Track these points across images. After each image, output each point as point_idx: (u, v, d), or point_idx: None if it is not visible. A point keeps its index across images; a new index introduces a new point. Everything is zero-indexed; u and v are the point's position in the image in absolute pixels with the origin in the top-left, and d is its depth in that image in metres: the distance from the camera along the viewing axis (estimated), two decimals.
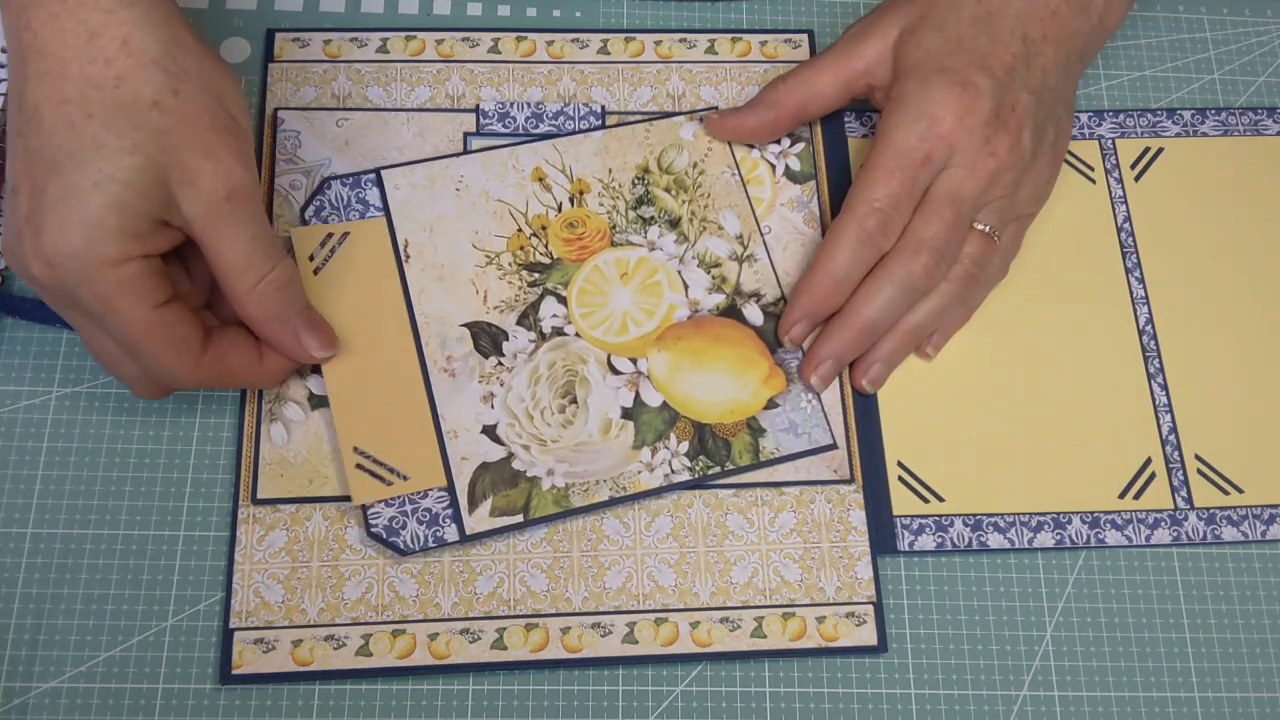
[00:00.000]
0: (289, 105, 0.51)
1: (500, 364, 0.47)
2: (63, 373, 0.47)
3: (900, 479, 0.47)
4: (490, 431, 0.46)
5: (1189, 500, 0.48)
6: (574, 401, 0.46)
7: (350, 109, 0.51)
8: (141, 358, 0.40)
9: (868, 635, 0.45)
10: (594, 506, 0.45)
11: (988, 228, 0.47)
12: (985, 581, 0.46)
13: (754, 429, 0.46)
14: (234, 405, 0.47)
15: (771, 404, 0.47)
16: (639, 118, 0.52)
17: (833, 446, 0.46)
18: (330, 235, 0.48)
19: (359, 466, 0.44)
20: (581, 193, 0.50)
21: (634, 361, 0.47)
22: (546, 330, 0.47)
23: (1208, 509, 0.47)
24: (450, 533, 0.44)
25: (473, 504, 0.44)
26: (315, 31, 0.53)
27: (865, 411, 0.48)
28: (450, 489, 0.45)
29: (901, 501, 0.47)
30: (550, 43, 0.54)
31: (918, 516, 0.47)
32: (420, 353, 0.46)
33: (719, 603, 0.45)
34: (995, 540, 0.46)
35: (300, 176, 0.49)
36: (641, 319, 0.48)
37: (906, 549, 0.46)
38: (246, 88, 0.52)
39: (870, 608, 0.45)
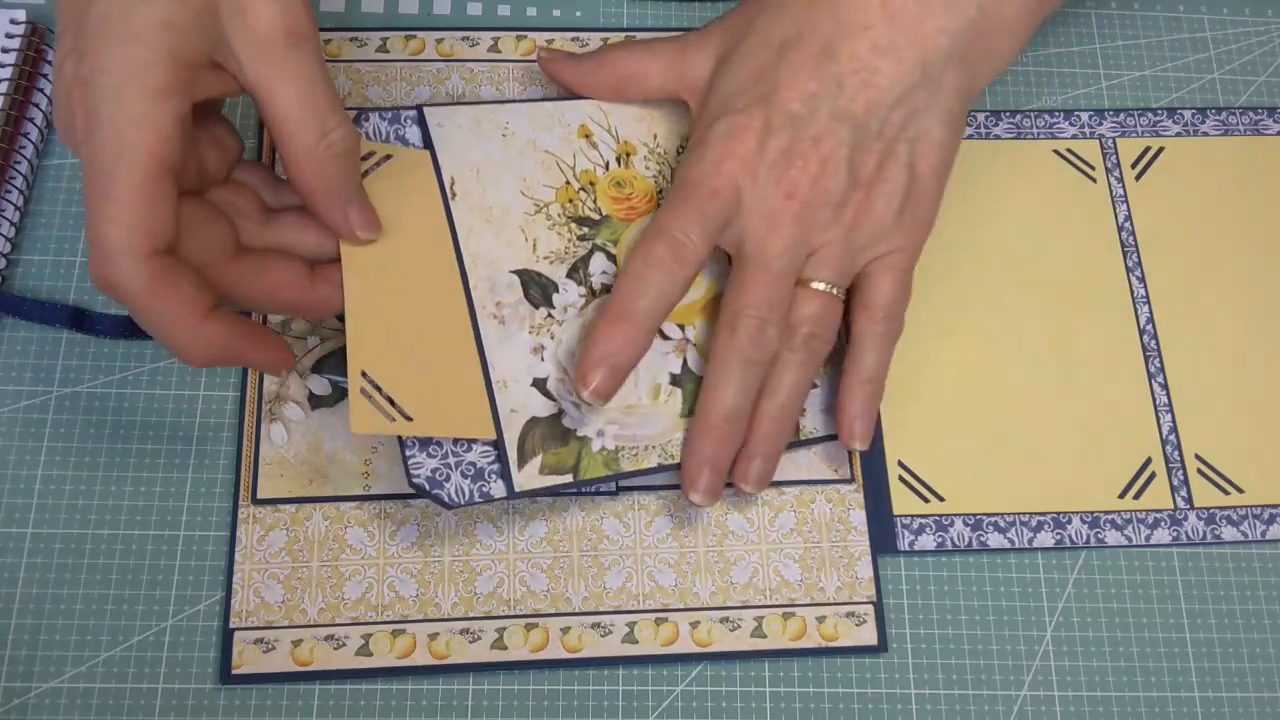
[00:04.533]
0: None
1: (550, 316, 0.44)
2: (63, 373, 0.47)
3: (900, 479, 0.47)
4: (541, 385, 0.43)
5: (1189, 500, 0.48)
6: None
7: (350, 108, 0.51)
8: (149, 223, 0.35)
9: (868, 635, 0.45)
10: (643, 472, 0.43)
11: (824, 285, 0.43)
12: (985, 581, 0.46)
13: None
14: (234, 405, 0.47)
15: (811, 384, 0.46)
16: None
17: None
18: (372, 154, 0.45)
19: (363, 392, 0.40)
20: (628, 154, 0.48)
21: (681, 328, 0.46)
22: (597, 286, 0.46)
23: (1208, 509, 0.47)
24: (497, 488, 0.42)
25: (522, 460, 0.42)
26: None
27: None
28: (499, 442, 0.42)
29: (902, 501, 0.47)
30: (550, 42, 0.54)
31: (918, 516, 0.47)
32: (468, 294, 0.44)
33: (719, 602, 0.45)
34: (995, 540, 0.46)
35: None
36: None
37: (907, 549, 0.46)
38: None
39: (870, 607, 0.45)
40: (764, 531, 0.46)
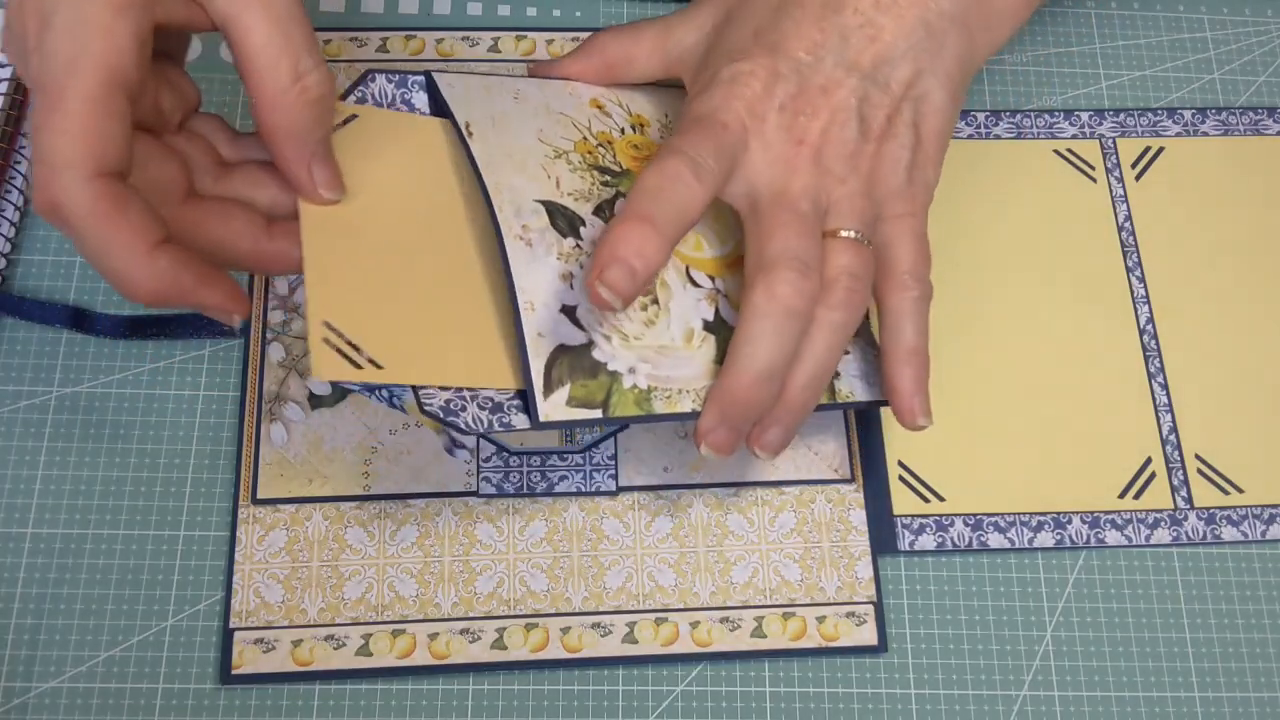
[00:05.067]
0: None
1: (578, 247, 0.41)
2: (63, 373, 0.47)
3: (900, 478, 0.47)
4: (570, 313, 0.40)
5: (1189, 500, 0.48)
6: (655, 302, 0.41)
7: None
8: (49, 106, 0.32)
9: (868, 635, 0.45)
10: (675, 416, 0.40)
11: (853, 233, 0.40)
12: (985, 581, 0.46)
13: None
14: (234, 405, 0.47)
15: (844, 350, 0.43)
16: None
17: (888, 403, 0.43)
18: (338, 114, 0.42)
19: (325, 341, 0.37)
20: (642, 125, 0.46)
21: (711, 279, 0.43)
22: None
23: (1208, 509, 0.47)
24: (519, 420, 0.39)
25: (548, 388, 0.39)
26: (315, 31, 0.53)
27: (865, 412, 0.48)
28: (525, 369, 0.39)
29: (902, 501, 0.47)
30: (550, 42, 0.54)
31: (918, 516, 0.47)
32: (494, 218, 0.40)
33: (719, 602, 0.45)
34: (995, 540, 0.46)
35: None
36: (714, 242, 0.44)
37: (907, 549, 0.46)
38: None
39: (870, 607, 0.45)
40: (764, 531, 0.46)
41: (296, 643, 0.43)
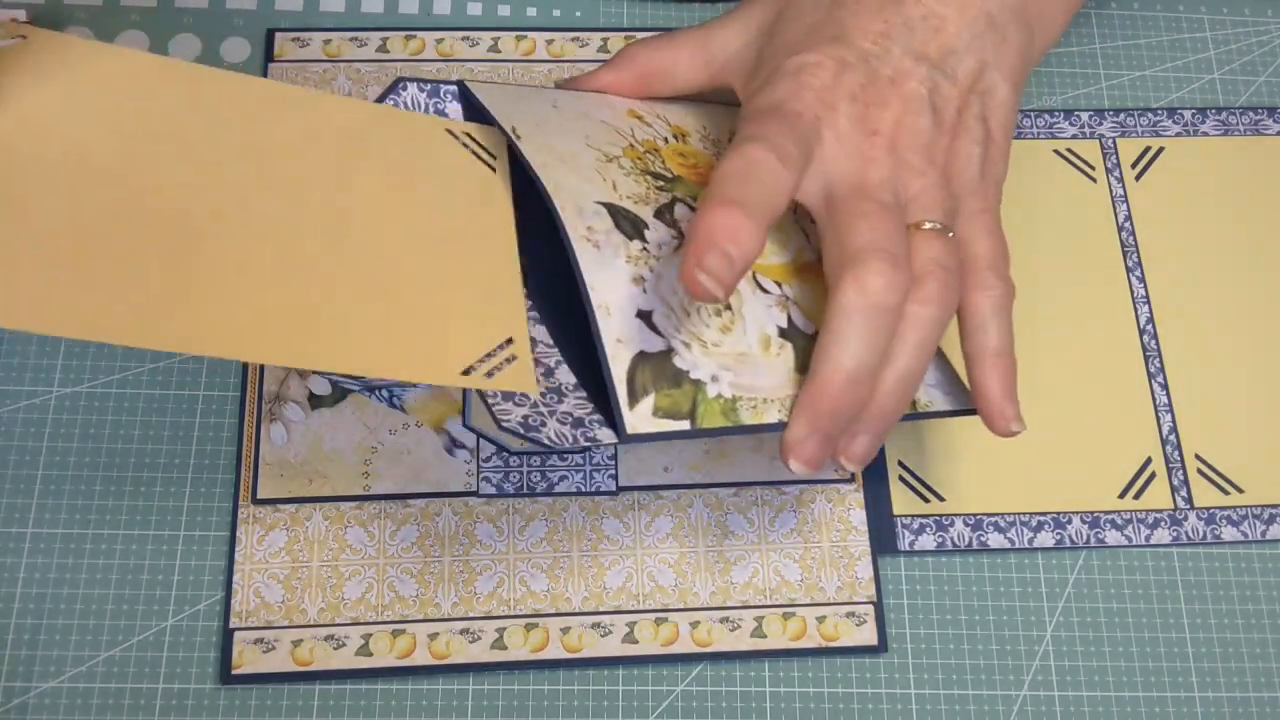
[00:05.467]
0: None
1: (645, 250, 0.38)
2: (63, 373, 0.47)
3: (900, 478, 0.47)
4: (646, 318, 0.37)
5: (1189, 500, 0.48)
6: (728, 308, 0.39)
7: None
8: None
9: (868, 635, 0.45)
10: (764, 428, 0.37)
11: (937, 224, 0.38)
12: (985, 581, 0.46)
13: None
14: (234, 405, 0.47)
15: (935, 350, 0.41)
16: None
17: (973, 411, 0.41)
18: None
19: None
20: (684, 135, 0.44)
21: (779, 285, 0.40)
22: (685, 229, 0.40)
23: (1208, 509, 0.47)
24: (605, 434, 0.36)
25: (633, 398, 0.36)
26: (315, 31, 0.53)
27: None
28: (606, 373, 0.36)
29: (902, 501, 0.47)
30: (550, 42, 0.54)
31: (918, 516, 0.47)
32: (559, 218, 0.37)
33: (719, 603, 0.45)
34: (995, 540, 0.46)
35: None
36: (774, 249, 0.41)
37: (907, 549, 0.46)
38: None
39: (870, 607, 0.45)
40: (764, 531, 0.46)
41: (296, 643, 0.43)
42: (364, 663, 0.43)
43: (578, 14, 0.55)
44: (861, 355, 0.36)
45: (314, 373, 0.47)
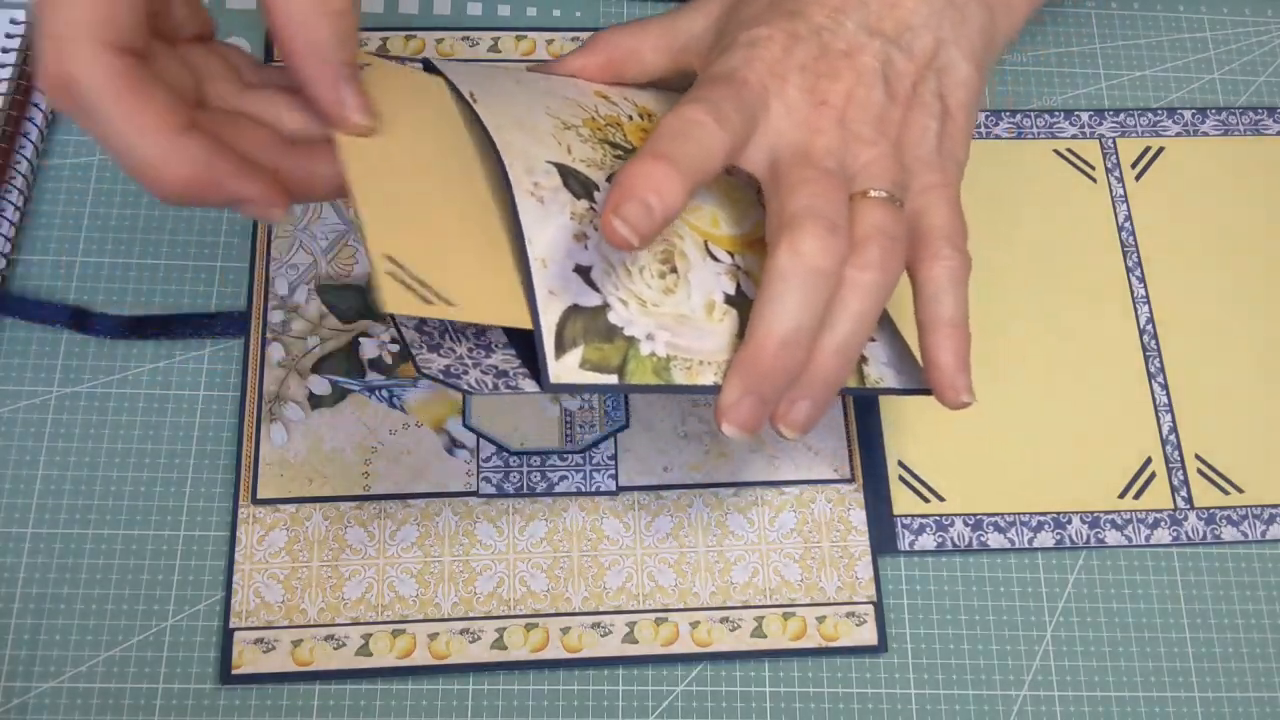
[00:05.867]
0: None
1: (593, 209, 0.38)
2: (63, 373, 0.47)
3: (901, 478, 0.47)
4: (584, 273, 0.37)
5: (1189, 500, 0.48)
6: (674, 271, 0.39)
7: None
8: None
9: (868, 635, 0.45)
10: (697, 389, 0.37)
11: (884, 193, 0.38)
12: (985, 581, 0.46)
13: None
14: (234, 405, 0.47)
15: (870, 338, 0.41)
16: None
17: (927, 391, 0.40)
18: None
19: (389, 274, 0.34)
20: (648, 115, 0.45)
21: (731, 255, 0.40)
22: None
23: (1208, 509, 0.47)
24: (527, 384, 0.36)
25: (560, 348, 0.36)
26: None
27: (865, 411, 0.48)
28: (535, 327, 0.36)
29: (902, 501, 0.47)
30: (550, 42, 0.54)
31: (918, 516, 0.47)
32: (505, 174, 0.38)
33: (719, 602, 0.45)
34: (995, 540, 0.46)
35: None
36: (731, 221, 0.41)
37: (907, 549, 0.46)
38: None
39: (870, 607, 0.45)
40: (764, 531, 0.46)
41: (296, 643, 0.43)
42: (364, 663, 0.43)
43: (578, 14, 0.55)
44: (796, 318, 0.36)
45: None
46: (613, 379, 0.36)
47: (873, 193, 0.38)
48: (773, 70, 0.39)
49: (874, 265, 0.37)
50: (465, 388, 0.36)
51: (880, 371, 0.41)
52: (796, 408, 0.37)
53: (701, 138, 0.36)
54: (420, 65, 0.43)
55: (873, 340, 0.41)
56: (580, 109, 0.43)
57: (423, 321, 0.37)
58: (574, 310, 0.37)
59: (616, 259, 0.38)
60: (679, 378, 0.37)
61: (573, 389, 0.36)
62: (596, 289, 0.37)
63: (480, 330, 0.38)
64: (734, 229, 0.41)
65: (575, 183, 0.39)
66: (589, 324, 0.37)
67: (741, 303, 0.39)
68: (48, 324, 0.47)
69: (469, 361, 0.37)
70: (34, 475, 0.45)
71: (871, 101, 0.39)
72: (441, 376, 0.36)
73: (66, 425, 0.46)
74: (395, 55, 0.52)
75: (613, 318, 0.37)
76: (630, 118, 0.44)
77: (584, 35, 0.54)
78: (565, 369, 0.36)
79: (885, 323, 0.43)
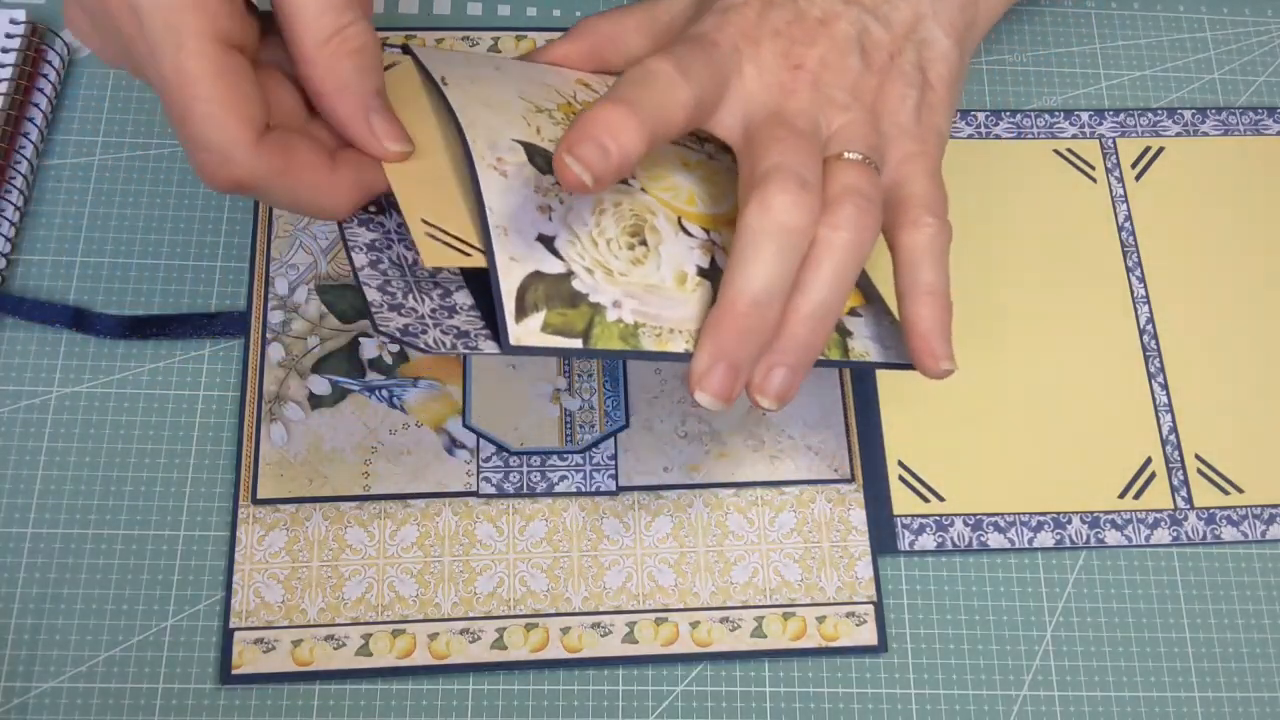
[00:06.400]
0: None
1: (557, 184, 0.38)
2: (63, 373, 0.47)
3: (900, 478, 0.47)
4: (548, 242, 0.37)
5: (1189, 500, 0.48)
6: (643, 243, 0.38)
7: None
8: (186, 100, 0.33)
9: (868, 635, 0.45)
10: (666, 356, 0.36)
11: (859, 155, 0.37)
12: (985, 581, 0.46)
13: (840, 330, 0.40)
14: (234, 405, 0.47)
15: (854, 313, 0.41)
16: None
17: (910, 366, 0.40)
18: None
19: (427, 235, 0.36)
20: None
21: (706, 231, 0.40)
22: None
23: (1208, 509, 0.47)
24: (486, 345, 0.36)
25: (521, 312, 0.35)
26: None
27: (865, 411, 0.48)
28: (494, 289, 0.36)
29: (902, 501, 0.47)
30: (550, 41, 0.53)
31: (918, 516, 0.47)
32: (466, 149, 0.38)
33: (719, 602, 0.45)
34: (995, 540, 0.46)
35: None
36: (708, 200, 0.41)
37: (907, 549, 0.46)
38: None
39: (870, 607, 0.45)
40: (764, 531, 0.46)
41: (296, 643, 0.43)
42: (364, 663, 0.43)
43: (578, 14, 0.55)
44: (766, 277, 0.35)
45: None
46: (577, 343, 0.36)
47: (847, 154, 0.37)
48: (745, 34, 0.39)
49: (847, 224, 0.36)
50: (422, 346, 0.35)
51: (865, 345, 0.40)
52: (772, 375, 0.36)
53: (664, 86, 0.36)
54: (399, 49, 0.43)
55: (858, 315, 0.41)
56: (558, 94, 0.42)
57: (386, 281, 0.37)
58: (536, 276, 0.36)
59: (583, 230, 0.38)
60: (648, 344, 0.36)
61: (534, 351, 0.35)
62: (560, 257, 0.37)
63: (446, 291, 0.38)
64: (711, 208, 0.41)
65: (541, 159, 0.39)
66: (552, 290, 0.36)
67: (715, 276, 0.38)
68: (48, 324, 0.47)
69: (429, 321, 0.36)
70: (34, 475, 0.45)
71: (846, 67, 0.39)
72: (399, 334, 0.35)
73: (66, 425, 0.46)
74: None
75: (577, 284, 0.36)
76: None
77: None
78: (526, 332, 0.35)
79: (873, 297, 0.42)
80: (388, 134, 0.37)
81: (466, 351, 0.36)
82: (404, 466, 0.46)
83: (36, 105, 0.50)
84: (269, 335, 0.47)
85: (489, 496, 0.46)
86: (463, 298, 0.38)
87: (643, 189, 0.40)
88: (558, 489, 0.46)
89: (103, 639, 0.43)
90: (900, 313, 0.39)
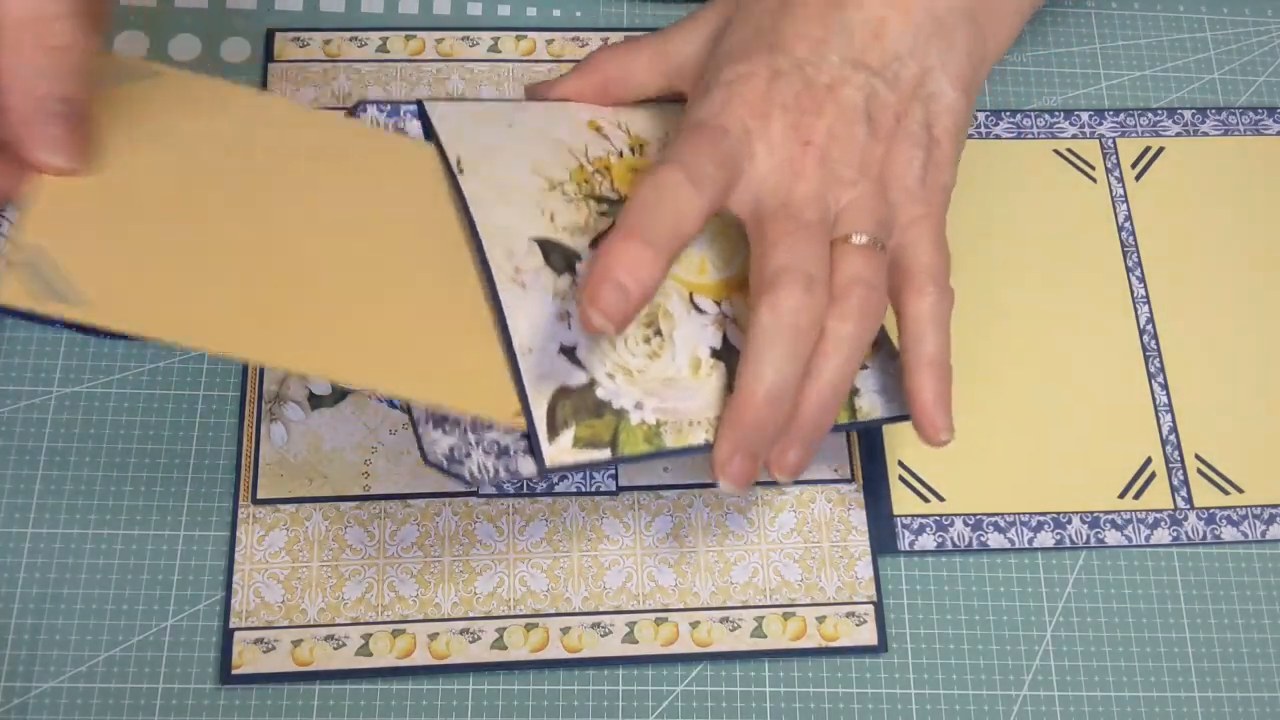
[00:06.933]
0: None
1: (574, 284, 0.40)
2: (63, 373, 0.47)
3: (901, 478, 0.47)
4: (570, 353, 0.39)
5: (1189, 500, 0.48)
6: (659, 334, 0.40)
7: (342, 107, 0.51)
8: None
9: (868, 635, 0.45)
10: (689, 450, 0.39)
11: (864, 238, 0.39)
12: (985, 581, 0.46)
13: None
14: (234, 405, 0.47)
15: (862, 365, 0.42)
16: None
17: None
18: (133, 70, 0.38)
19: (22, 263, 0.32)
20: (641, 146, 0.45)
21: (718, 304, 0.41)
22: None
23: (1208, 509, 0.47)
24: (525, 465, 0.38)
25: (553, 432, 0.37)
26: (315, 31, 0.53)
27: None
28: (527, 415, 0.38)
29: (902, 501, 0.47)
30: (550, 41, 0.54)
31: (918, 516, 0.47)
32: (486, 263, 0.39)
33: (719, 602, 0.45)
34: (995, 540, 0.46)
35: None
36: (719, 263, 0.42)
37: (907, 549, 0.46)
38: None
39: (870, 607, 0.45)
40: (764, 531, 0.46)
41: (296, 643, 0.43)
42: (364, 663, 0.43)
43: (578, 14, 0.55)
44: (778, 374, 0.37)
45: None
46: (606, 454, 0.38)
47: (854, 238, 0.39)
48: (754, 110, 0.39)
49: (852, 316, 0.38)
50: (467, 477, 0.38)
51: (872, 401, 0.42)
52: (789, 455, 0.39)
53: (677, 203, 0.37)
54: (415, 107, 0.44)
55: (864, 368, 0.42)
56: (570, 155, 0.43)
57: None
58: (562, 392, 0.38)
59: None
60: (670, 442, 0.39)
61: (569, 469, 0.38)
62: (583, 366, 0.39)
63: None
64: (723, 271, 0.42)
65: (558, 257, 0.40)
66: (579, 403, 0.38)
67: (727, 354, 0.40)
68: (48, 324, 0.47)
69: (472, 439, 0.38)
70: (34, 475, 0.45)
71: (854, 137, 0.39)
72: (445, 463, 0.38)
73: (66, 425, 0.46)
74: (395, 56, 0.52)
75: (600, 393, 0.39)
76: (621, 154, 0.44)
77: (584, 35, 0.54)
78: (560, 451, 0.38)
79: (883, 344, 0.43)
80: (52, 143, 0.33)
81: (509, 478, 0.38)
82: (404, 466, 0.46)
83: None
84: None
85: (489, 496, 0.46)
86: None
87: None
88: (558, 489, 0.46)
89: (103, 639, 0.43)
90: (906, 384, 0.40)
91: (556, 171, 0.43)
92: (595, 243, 0.41)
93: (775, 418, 0.38)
